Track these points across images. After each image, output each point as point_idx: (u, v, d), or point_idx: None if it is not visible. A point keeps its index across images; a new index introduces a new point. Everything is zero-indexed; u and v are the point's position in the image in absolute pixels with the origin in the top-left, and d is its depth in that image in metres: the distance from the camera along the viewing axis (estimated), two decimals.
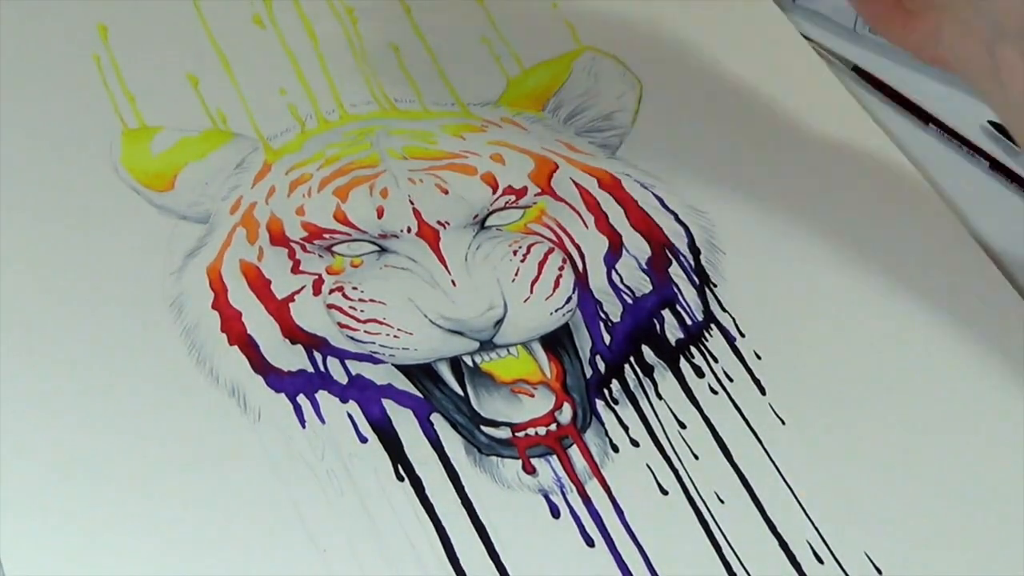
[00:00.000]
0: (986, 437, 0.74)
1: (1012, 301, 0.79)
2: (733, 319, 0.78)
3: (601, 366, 0.76)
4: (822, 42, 0.91)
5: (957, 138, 0.87)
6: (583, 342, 0.76)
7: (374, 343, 0.76)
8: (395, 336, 0.76)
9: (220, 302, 0.77)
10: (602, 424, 0.74)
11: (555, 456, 0.72)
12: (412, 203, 0.81)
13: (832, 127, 0.86)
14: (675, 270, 0.80)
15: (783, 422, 0.74)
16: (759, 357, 0.76)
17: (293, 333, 0.76)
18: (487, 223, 0.80)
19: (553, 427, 0.73)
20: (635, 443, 0.73)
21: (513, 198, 0.81)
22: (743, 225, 0.81)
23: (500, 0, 0.92)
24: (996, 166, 0.85)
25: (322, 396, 0.74)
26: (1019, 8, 0.70)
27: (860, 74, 0.90)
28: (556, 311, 0.77)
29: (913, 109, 0.88)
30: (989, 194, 0.85)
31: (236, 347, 0.75)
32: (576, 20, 0.91)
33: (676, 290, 0.79)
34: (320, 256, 0.79)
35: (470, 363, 0.75)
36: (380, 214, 0.80)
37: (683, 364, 0.76)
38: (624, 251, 0.80)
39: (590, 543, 0.70)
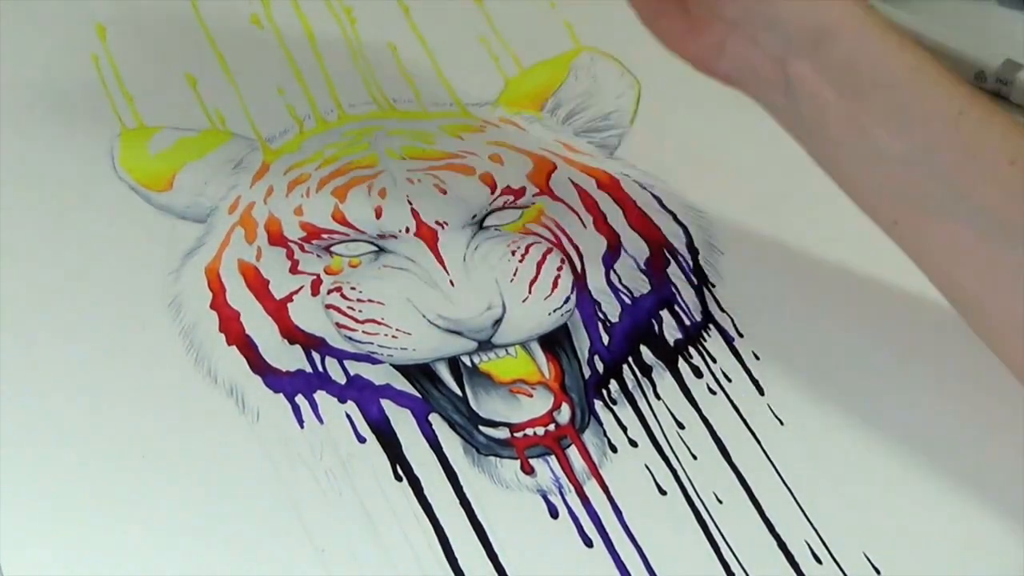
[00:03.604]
0: (985, 437, 0.74)
1: None
2: (731, 319, 0.78)
3: (599, 366, 0.76)
4: None
5: None
6: (581, 342, 0.76)
7: (372, 343, 0.76)
8: (393, 336, 0.76)
9: (218, 302, 0.77)
10: (600, 424, 0.74)
11: (553, 456, 0.72)
12: (410, 203, 0.81)
13: None
14: (673, 270, 0.80)
15: (781, 423, 0.74)
16: (757, 357, 0.76)
17: (291, 333, 0.76)
18: (485, 223, 0.80)
19: (551, 427, 0.73)
20: (633, 443, 0.73)
21: (511, 198, 0.81)
22: (741, 225, 0.82)
23: (498, 0, 0.92)
24: None
25: (320, 396, 0.74)
26: (812, 23, 0.70)
27: None
28: (554, 311, 0.77)
29: None
30: None
31: (234, 347, 0.75)
32: (574, 20, 0.91)
33: (674, 290, 0.79)
34: (318, 256, 0.79)
35: (468, 363, 0.75)
36: (378, 214, 0.80)
37: (681, 364, 0.76)
38: (622, 251, 0.80)
39: (588, 543, 0.70)
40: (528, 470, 0.72)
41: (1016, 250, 0.68)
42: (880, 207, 0.72)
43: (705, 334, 0.77)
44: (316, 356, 0.75)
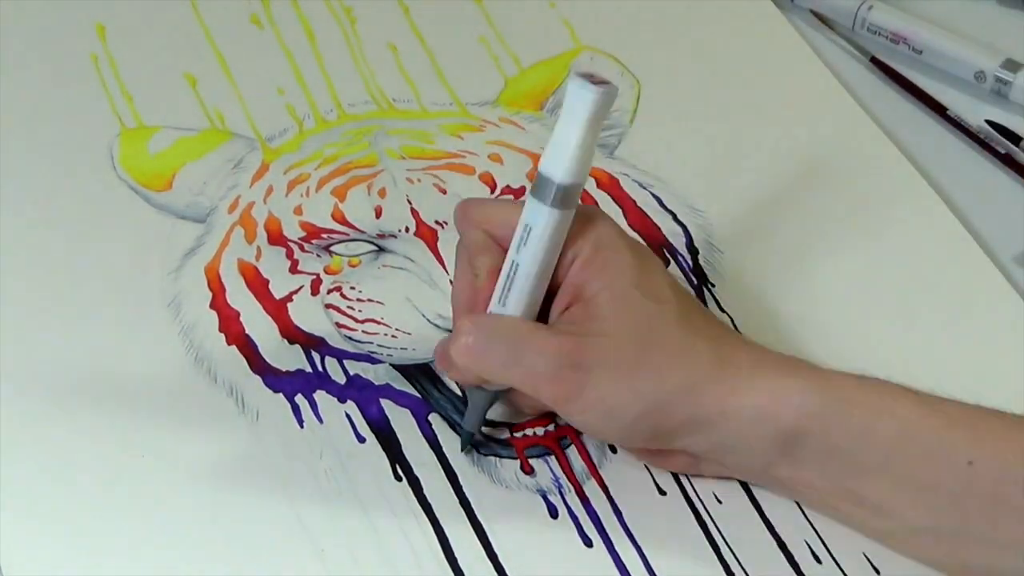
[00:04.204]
0: None
1: (1009, 298, 0.79)
2: (731, 319, 0.77)
3: None
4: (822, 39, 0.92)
5: (970, 131, 0.87)
6: None
7: (372, 343, 0.76)
8: (393, 336, 0.76)
9: (218, 301, 0.77)
10: None
11: (553, 456, 0.72)
12: (410, 203, 0.81)
13: (830, 126, 0.87)
14: (673, 270, 0.79)
15: None
16: None
17: (291, 333, 0.76)
18: None
19: (551, 427, 0.73)
20: None
21: (511, 198, 0.81)
22: (741, 225, 0.81)
23: (498, 0, 0.92)
24: (1007, 160, 0.85)
25: (320, 396, 0.74)
26: (770, 437, 0.65)
27: (878, 65, 0.90)
28: None
29: (928, 101, 0.88)
30: (999, 187, 0.85)
31: (234, 347, 0.75)
32: (574, 20, 0.91)
33: None
34: (318, 256, 0.79)
35: None
36: (378, 214, 0.80)
37: None
38: None
39: (588, 543, 0.70)
40: (528, 470, 0.72)
41: None
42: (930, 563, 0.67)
43: None
44: (316, 356, 0.75)
